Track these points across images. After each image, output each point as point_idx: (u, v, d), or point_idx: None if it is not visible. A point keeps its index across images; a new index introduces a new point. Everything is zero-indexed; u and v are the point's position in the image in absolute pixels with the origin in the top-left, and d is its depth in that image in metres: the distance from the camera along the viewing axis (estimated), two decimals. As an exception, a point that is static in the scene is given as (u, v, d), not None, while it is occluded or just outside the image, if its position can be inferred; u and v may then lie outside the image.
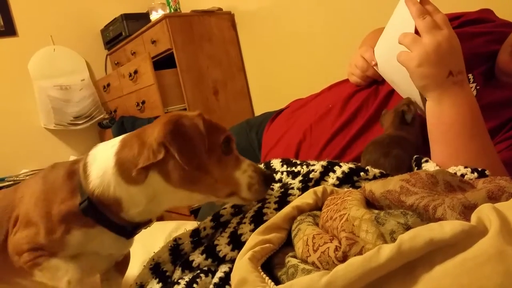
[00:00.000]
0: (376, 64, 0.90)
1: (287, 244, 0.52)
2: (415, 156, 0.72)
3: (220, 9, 2.50)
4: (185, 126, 0.57)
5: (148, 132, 0.59)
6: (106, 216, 0.60)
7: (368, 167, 0.66)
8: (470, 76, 0.83)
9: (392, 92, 0.93)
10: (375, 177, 0.64)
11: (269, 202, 0.64)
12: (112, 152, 0.60)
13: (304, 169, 0.72)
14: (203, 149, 0.57)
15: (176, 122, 0.57)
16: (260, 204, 0.65)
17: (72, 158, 2.74)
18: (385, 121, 0.84)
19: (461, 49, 0.67)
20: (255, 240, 0.50)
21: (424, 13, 0.66)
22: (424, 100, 0.79)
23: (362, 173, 0.64)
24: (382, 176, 0.65)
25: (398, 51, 0.71)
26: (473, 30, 0.90)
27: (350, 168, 0.65)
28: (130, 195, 0.59)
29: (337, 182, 0.64)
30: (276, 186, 0.71)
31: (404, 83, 0.81)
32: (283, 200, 0.64)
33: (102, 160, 0.60)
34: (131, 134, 0.62)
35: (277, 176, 0.75)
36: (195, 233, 0.67)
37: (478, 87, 0.82)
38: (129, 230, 0.63)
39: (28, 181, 0.68)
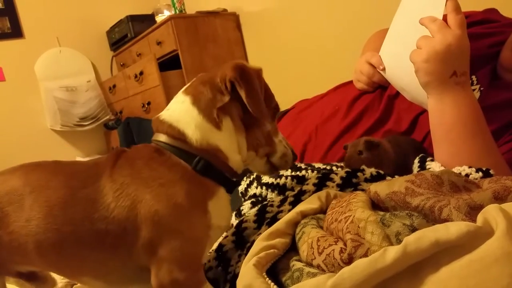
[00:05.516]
0: (383, 69, 0.89)
1: (291, 249, 0.52)
2: (421, 155, 0.72)
3: (225, 10, 2.51)
4: (251, 73, 0.58)
5: (214, 76, 0.59)
6: (219, 170, 0.58)
7: (363, 167, 0.66)
8: (474, 77, 0.83)
9: (397, 94, 0.92)
10: (372, 176, 0.65)
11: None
12: (187, 104, 0.59)
13: (309, 174, 0.73)
14: (262, 99, 0.59)
15: (243, 67, 0.58)
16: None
17: (78, 159, 2.76)
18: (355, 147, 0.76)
19: (469, 51, 0.68)
20: (260, 246, 0.50)
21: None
22: None
23: (359, 173, 0.65)
24: (378, 174, 0.65)
25: (408, 50, 0.71)
26: (478, 31, 0.90)
27: (346, 172, 0.65)
28: (223, 140, 0.58)
29: (338, 189, 0.64)
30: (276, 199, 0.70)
31: (412, 87, 0.81)
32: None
33: (183, 115, 0.58)
34: (193, 84, 0.61)
35: (282, 181, 0.75)
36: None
37: (482, 88, 0.81)
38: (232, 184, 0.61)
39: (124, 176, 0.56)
